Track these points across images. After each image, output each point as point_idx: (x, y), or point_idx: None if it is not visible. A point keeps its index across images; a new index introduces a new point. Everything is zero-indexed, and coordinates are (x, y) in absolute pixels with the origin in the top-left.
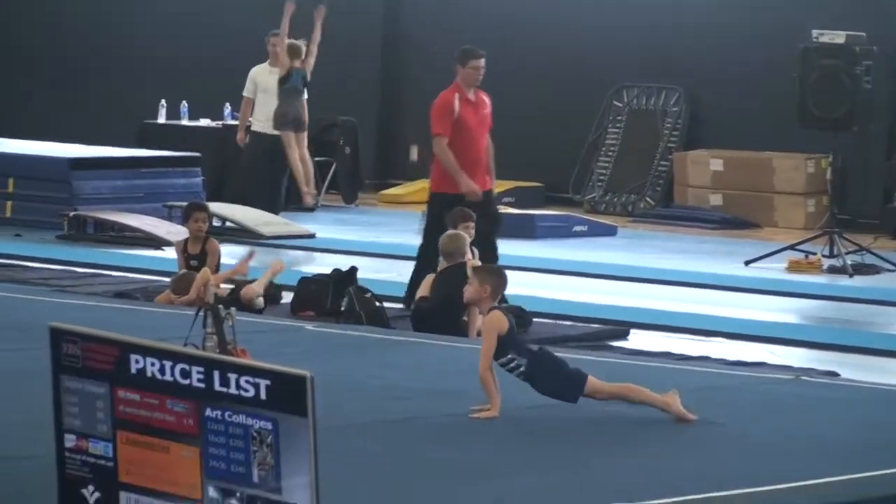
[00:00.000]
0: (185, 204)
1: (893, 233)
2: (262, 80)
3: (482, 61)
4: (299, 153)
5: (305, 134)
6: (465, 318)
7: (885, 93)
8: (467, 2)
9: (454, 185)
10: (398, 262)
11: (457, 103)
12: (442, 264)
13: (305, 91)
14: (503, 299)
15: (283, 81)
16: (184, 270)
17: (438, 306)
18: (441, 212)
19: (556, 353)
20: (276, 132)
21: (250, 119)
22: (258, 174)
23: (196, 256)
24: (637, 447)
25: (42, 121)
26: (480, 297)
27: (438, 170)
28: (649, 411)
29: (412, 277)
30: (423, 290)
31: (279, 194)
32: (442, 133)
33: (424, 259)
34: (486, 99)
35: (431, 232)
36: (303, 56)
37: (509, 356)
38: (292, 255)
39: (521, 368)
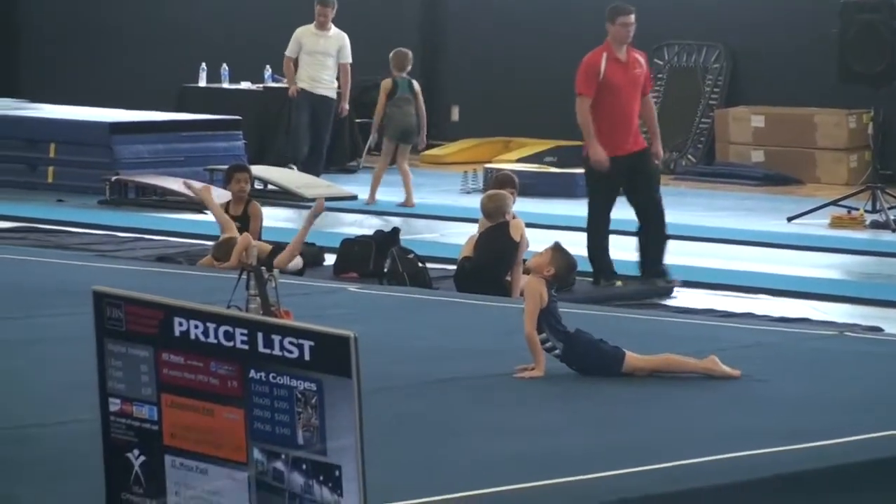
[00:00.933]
0: (226, 167)
1: None
2: (307, 41)
3: (631, 17)
4: (400, 164)
5: (409, 147)
6: (508, 278)
7: None
8: None
9: (609, 147)
10: (440, 223)
11: (603, 63)
12: (483, 223)
13: (420, 100)
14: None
15: (391, 94)
16: (225, 236)
17: (481, 266)
18: (598, 174)
19: (590, 335)
20: (322, 93)
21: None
22: (304, 131)
23: (238, 219)
24: (680, 405)
25: (82, 86)
26: (542, 270)
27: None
28: None
29: (591, 252)
30: (466, 250)
31: (321, 155)
32: (584, 93)
33: (594, 227)
34: (641, 58)
35: (594, 197)
36: (409, 66)
37: (544, 335)
38: (335, 217)
39: (556, 351)
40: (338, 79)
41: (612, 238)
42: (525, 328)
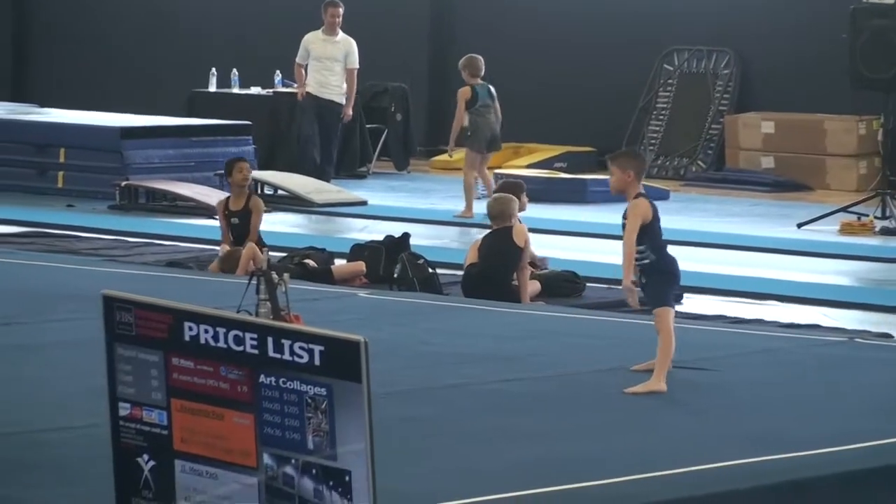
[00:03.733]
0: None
1: None
2: (315, 47)
3: None
4: (481, 172)
5: (491, 155)
6: (515, 282)
7: None
8: None
9: None
10: (450, 229)
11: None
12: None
13: (497, 103)
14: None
15: (471, 103)
16: (228, 249)
17: (486, 270)
18: None
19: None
20: (329, 98)
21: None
22: (309, 135)
23: (238, 213)
24: (692, 411)
25: (92, 91)
26: (625, 183)
27: None
28: (705, 375)
29: None
30: (471, 256)
31: (330, 162)
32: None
33: None
34: None
35: None
36: (483, 71)
37: (643, 248)
38: (344, 223)
39: (646, 261)
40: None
41: (616, 244)
42: (625, 249)
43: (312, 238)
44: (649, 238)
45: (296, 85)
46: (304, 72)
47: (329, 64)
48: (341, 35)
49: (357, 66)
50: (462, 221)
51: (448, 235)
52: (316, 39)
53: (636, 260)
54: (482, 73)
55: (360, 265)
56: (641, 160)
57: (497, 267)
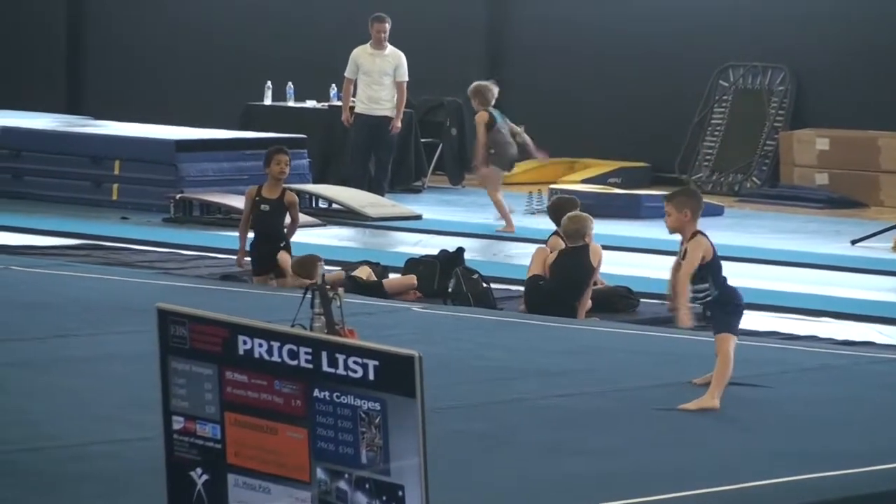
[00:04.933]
0: (291, 186)
1: None
2: (364, 61)
3: None
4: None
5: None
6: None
7: None
8: None
9: None
10: (505, 244)
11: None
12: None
13: (511, 126)
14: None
15: (489, 126)
16: (303, 256)
17: (558, 288)
18: None
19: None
20: (381, 114)
21: (353, 100)
22: (359, 155)
23: (270, 201)
24: (741, 427)
25: (147, 103)
26: (682, 222)
27: None
28: (758, 392)
29: None
30: (535, 267)
31: (385, 176)
32: None
33: None
34: None
35: None
36: (493, 101)
37: (706, 285)
38: (399, 237)
39: (709, 298)
40: None
41: (670, 259)
42: (679, 284)
43: (366, 252)
44: (712, 275)
45: (342, 102)
46: (352, 88)
47: (378, 78)
48: (390, 48)
49: (406, 78)
50: (509, 236)
51: (503, 250)
52: (364, 53)
53: (700, 298)
54: (493, 102)
55: (412, 279)
56: (698, 199)
57: (568, 285)
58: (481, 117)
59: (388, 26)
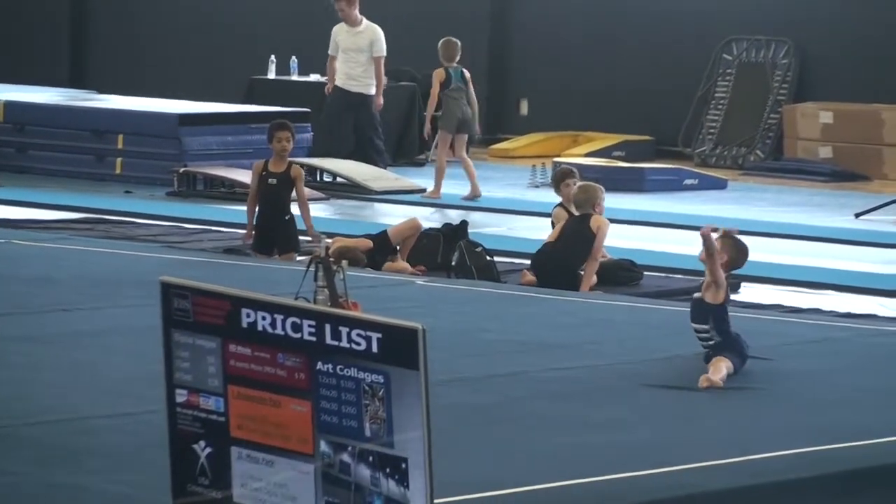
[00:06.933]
0: (296, 160)
1: None
2: (341, 38)
3: None
4: (459, 156)
5: (467, 136)
6: (581, 271)
7: None
8: None
9: None
10: (508, 217)
11: None
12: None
13: (471, 88)
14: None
15: (444, 85)
16: (342, 243)
17: (559, 253)
18: None
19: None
20: (358, 91)
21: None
22: (329, 122)
23: (277, 175)
24: (747, 402)
25: (150, 77)
26: (716, 262)
27: None
28: (761, 364)
29: None
30: (554, 233)
31: (379, 150)
32: None
33: None
34: None
35: None
36: (458, 56)
37: (707, 327)
38: (402, 210)
39: (711, 342)
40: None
41: (674, 233)
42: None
43: (370, 225)
44: (716, 320)
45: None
46: (335, 65)
47: (354, 55)
48: (365, 24)
49: (383, 54)
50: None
51: (506, 223)
52: (341, 31)
53: (700, 338)
54: (457, 57)
55: (415, 220)
56: (742, 256)
57: (568, 252)
58: (437, 74)
59: (344, 5)
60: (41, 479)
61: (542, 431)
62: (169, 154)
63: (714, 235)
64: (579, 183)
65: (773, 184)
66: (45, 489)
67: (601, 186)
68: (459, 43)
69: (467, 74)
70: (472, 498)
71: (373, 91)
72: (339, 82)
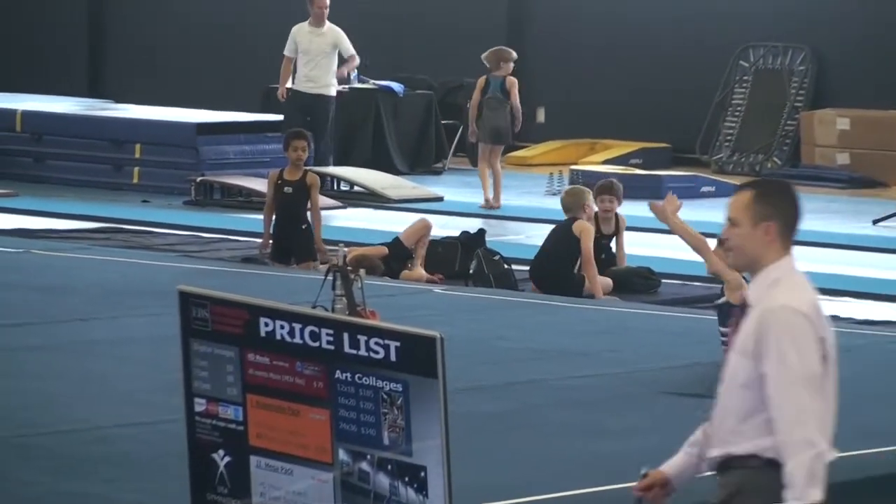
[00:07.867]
0: (313, 168)
1: None
2: (302, 40)
3: None
4: (491, 164)
5: (501, 147)
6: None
7: None
8: None
9: None
10: (526, 225)
11: None
12: None
13: (513, 98)
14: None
15: (483, 92)
16: (359, 251)
17: (545, 258)
18: None
19: None
20: (317, 92)
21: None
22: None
23: (292, 183)
24: None
25: (168, 87)
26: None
27: None
28: None
29: None
30: (544, 242)
31: (328, 150)
32: None
33: None
34: None
35: None
36: (503, 64)
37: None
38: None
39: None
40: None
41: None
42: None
43: (387, 234)
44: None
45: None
46: (292, 66)
47: (316, 58)
48: (327, 26)
49: (353, 51)
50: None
51: (524, 231)
52: (302, 32)
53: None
54: (501, 65)
55: (425, 221)
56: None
57: (553, 256)
58: (478, 82)
59: (328, 1)
60: (57, 489)
61: (561, 439)
62: (186, 163)
63: (671, 208)
64: (567, 188)
65: None
66: (60, 498)
67: (588, 189)
68: (506, 51)
69: (510, 84)
70: None
71: (332, 92)
72: (295, 84)
